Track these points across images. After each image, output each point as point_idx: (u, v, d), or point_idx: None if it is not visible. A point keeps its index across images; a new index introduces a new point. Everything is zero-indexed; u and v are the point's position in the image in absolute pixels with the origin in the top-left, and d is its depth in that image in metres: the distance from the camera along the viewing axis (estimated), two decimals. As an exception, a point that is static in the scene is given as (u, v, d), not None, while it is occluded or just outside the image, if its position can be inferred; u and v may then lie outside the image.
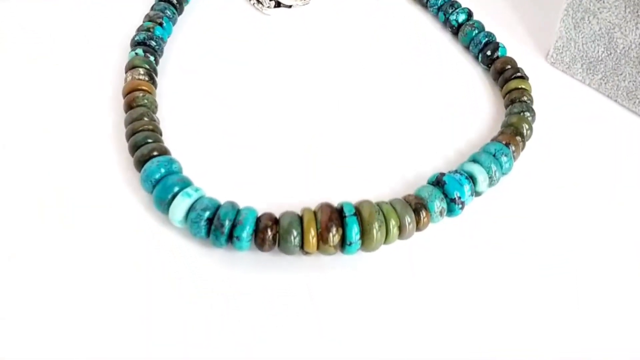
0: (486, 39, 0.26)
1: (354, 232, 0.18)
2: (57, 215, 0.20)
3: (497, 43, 0.26)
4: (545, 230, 0.21)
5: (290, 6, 0.29)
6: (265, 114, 0.24)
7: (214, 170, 0.22)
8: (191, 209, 0.19)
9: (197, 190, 0.19)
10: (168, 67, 0.25)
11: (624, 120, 0.25)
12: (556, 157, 0.24)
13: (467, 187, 0.20)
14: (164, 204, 0.19)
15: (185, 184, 0.19)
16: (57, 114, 0.23)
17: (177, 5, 0.27)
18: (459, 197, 0.20)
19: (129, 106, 0.22)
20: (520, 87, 0.24)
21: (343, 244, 0.19)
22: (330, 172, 0.22)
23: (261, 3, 0.29)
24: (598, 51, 0.25)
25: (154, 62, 0.24)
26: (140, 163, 0.20)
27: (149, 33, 0.25)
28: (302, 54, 0.27)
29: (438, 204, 0.20)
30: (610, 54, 0.25)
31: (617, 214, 0.22)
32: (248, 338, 0.18)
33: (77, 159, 0.22)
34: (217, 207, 0.19)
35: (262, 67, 0.26)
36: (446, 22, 0.28)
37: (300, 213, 0.19)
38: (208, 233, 0.19)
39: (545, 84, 0.26)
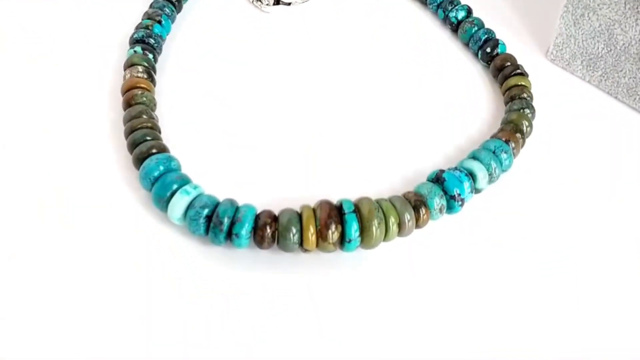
0: (486, 36, 0.26)
1: (353, 229, 0.18)
2: (56, 214, 0.20)
3: (497, 40, 0.26)
4: (545, 227, 0.21)
5: (289, 3, 0.29)
6: (264, 111, 0.24)
7: (213, 167, 0.22)
8: (190, 206, 0.19)
9: (195, 187, 0.19)
10: (167, 65, 0.25)
11: (624, 117, 0.25)
12: (556, 154, 0.23)
13: (466, 184, 0.20)
14: (162, 201, 0.19)
15: (184, 181, 0.19)
16: (56, 112, 0.23)
17: (176, 3, 0.27)
18: (459, 194, 0.20)
19: (128, 104, 0.22)
20: (520, 84, 0.24)
21: (342, 241, 0.18)
22: (330, 169, 0.22)
23: (260, 1, 0.28)
24: (598, 48, 0.25)
25: (152, 59, 0.24)
26: (138, 161, 0.20)
27: (148, 31, 0.25)
28: (301, 51, 0.27)
29: (438, 201, 0.20)
30: (610, 50, 0.25)
31: (617, 211, 0.22)
32: (247, 337, 0.18)
33: (76, 157, 0.22)
34: (216, 204, 0.19)
35: (261, 65, 0.26)
36: (445, 19, 0.28)
37: (299, 210, 0.19)
38: (207, 230, 0.19)
39: (545, 80, 0.26)
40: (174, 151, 0.21)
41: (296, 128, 0.24)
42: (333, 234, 0.18)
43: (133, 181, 0.21)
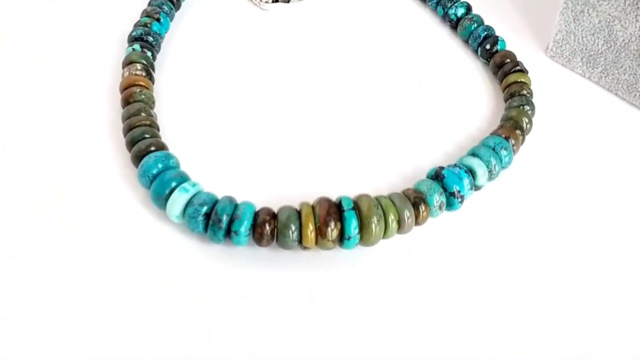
0: (485, 33, 0.26)
1: (353, 226, 0.18)
2: (55, 212, 0.20)
3: (497, 37, 0.26)
4: (545, 224, 0.21)
5: (288, 1, 0.29)
6: (263, 109, 0.24)
7: (212, 165, 0.22)
8: (189, 204, 0.19)
9: (194, 185, 0.19)
10: (165, 62, 0.25)
11: (624, 114, 0.25)
12: (556, 150, 0.23)
13: (466, 181, 0.20)
14: (161, 199, 0.19)
15: (183, 179, 0.19)
16: (55, 111, 0.23)
17: (175, 1, 0.27)
18: (459, 191, 0.20)
19: (126, 102, 0.22)
20: (519, 80, 0.24)
21: (342, 238, 0.18)
22: (329, 166, 0.22)
23: (259, -2, 0.28)
24: (598, 44, 0.25)
25: (151, 57, 0.24)
26: (137, 158, 0.20)
27: (146, 28, 0.24)
28: (300, 48, 0.27)
29: (437, 198, 0.20)
30: (610, 46, 0.25)
31: (617, 208, 0.22)
32: (247, 336, 0.18)
33: (76, 156, 0.21)
34: (215, 202, 0.19)
35: (259, 63, 0.26)
36: (445, 16, 0.28)
37: (298, 207, 0.19)
38: (206, 228, 0.19)
39: (545, 77, 0.26)
40: (172, 149, 0.21)
41: (295, 125, 0.23)
42: (332, 231, 0.18)
43: (132, 179, 0.21)
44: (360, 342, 0.18)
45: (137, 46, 0.24)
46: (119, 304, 0.18)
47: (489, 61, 0.26)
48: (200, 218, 0.18)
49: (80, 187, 0.21)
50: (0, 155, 0.21)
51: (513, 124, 0.22)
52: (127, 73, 0.23)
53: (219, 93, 0.24)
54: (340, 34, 0.28)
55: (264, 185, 0.21)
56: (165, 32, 0.26)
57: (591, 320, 0.19)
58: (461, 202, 0.20)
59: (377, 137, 0.23)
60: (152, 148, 0.20)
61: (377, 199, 0.19)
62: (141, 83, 0.22)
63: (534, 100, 0.24)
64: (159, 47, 0.25)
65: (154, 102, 0.22)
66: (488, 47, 0.26)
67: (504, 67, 0.25)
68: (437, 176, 0.20)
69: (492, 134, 0.22)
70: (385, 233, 0.19)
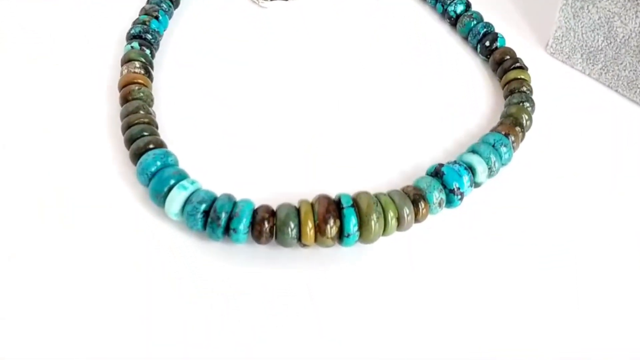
0: (485, 30, 0.26)
1: (352, 223, 0.18)
2: (54, 210, 0.20)
3: (496, 33, 0.26)
4: (545, 221, 0.21)
5: (287, -2, 0.29)
6: (261, 106, 0.24)
7: (211, 163, 0.22)
8: (187, 201, 0.19)
9: (193, 182, 0.19)
10: (164, 60, 0.25)
11: (624, 110, 0.25)
12: (556, 147, 0.23)
13: (466, 178, 0.20)
14: (160, 197, 0.19)
15: (182, 176, 0.19)
16: (54, 110, 0.23)
17: (173, -2, 0.27)
18: (458, 188, 0.20)
19: (125, 99, 0.22)
20: (519, 77, 0.24)
21: (341, 235, 0.18)
22: (328, 164, 0.22)
23: (258, -4, 0.28)
24: (598, 40, 0.25)
25: (149, 55, 0.24)
26: (136, 156, 0.20)
27: (145, 26, 0.24)
28: (299, 45, 0.27)
29: (437, 195, 0.20)
30: (610, 43, 0.25)
31: (617, 204, 0.22)
32: (247, 335, 0.18)
33: (74, 154, 0.21)
34: (214, 199, 0.19)
35: (258, 61, 0.26)
36: (444, 13, 0.28)
37: (297, 205, 0.19)
38: (204, 226, 0.18)
39: (545, 74, 0.26)
40: (171, 147, 0.21)
41: (294, 122, 0.23)
42: (331, 228, 0.18)
43: (130, 177, 0.21)
44: (359, 339, 0.18)
45: (135, 44, 0.24)
46: (118, 302, 0.18)
47: (488, 58, 0.26)
48: (199, 216, 0.18)
49: (79, 185, 0.20)
50: (0, 155, 0.21)
51: (513, 121, 0.22)
52: (126, 71, 0.23)
53: (218, 91, 0.24)
54: (338, 31, 0.27)
55: (263, 182, 0.21)
56: (164, 30, 0.26)
57: (591, 316, 0.19)
58: (461, 199, 0.20)
59: (376, 135, 0.23)
60: (151, 146, 0.20)
61: (376, 196, 0.19)
62: (140, 81, 0.22)
63: (533, 97, 0.24)
64: (158, 45, 0.25)
65: (152, 100, 0.22)
66: (487, 44, 0.26)
67: (503, 64, 0.25)
68: (436, 173, 0.20)
69: (491, 130, 0.22)
70: (385, 230, 0.19)
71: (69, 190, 0.20)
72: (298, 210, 0.18)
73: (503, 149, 0.21)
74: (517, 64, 0.25)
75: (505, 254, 0.20)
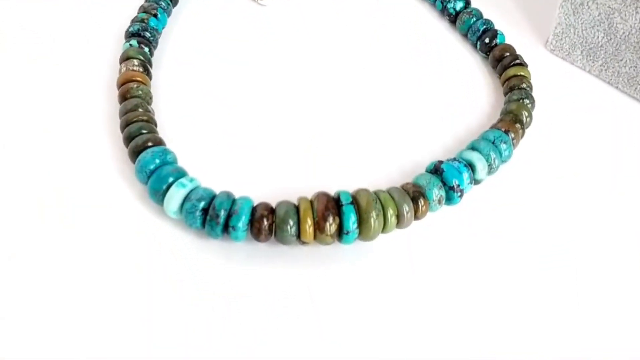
0: (484, 27, 0.26)
1: (351, 221, 0.18)
2: (54, 208, 0.20)
3: (496, 30, 0.26)
4: (545, 219, 0.21)
5: (286, -4, 0.29)
6: (260, 104, 0.24)
7: (210, 161, 0.22)
8: (186, 199, 0.19)
9: (192, 180, 0.19)
10: (163, 58, 0.25)
11: (625, 107, 0.25)
12: (556, 144, 0.23)
13: (465, 175, 0.20)
14: (158, 194, 0.19)
15: (180, 174, 0.19)
16: (53, 109, 0.23)
17: (172, -4, 0.26)
18: (458, 185, 0.20)
19: (124, 97, 0.22)
20: (519, 74, 0.24)
21: (340, 233, 0.18)
22: (327, 161, 0.22)
23: (257, -7, 0.28)
24: (598, 37, 0.25)
25: (148, 53, 0.24)
26: (134, 154, 0.20)
27: (143, 24, 0.24)
28: (298, 42, 0.26)
29: (436, 192, 0.19)
30: (610, 39, 0.25)
31: (617, 201, 0.22)
32: (246, 334, 0.18)
33: (73, 152, 0.21)
34: (213, 197, 0.19)
35: (257, 59, 0.26)
36: (444, 10, 0.28)
37: (296, 202, 0.19)
38: (203, 223, 0.18)
39: (545, 71, 0.26)
40: (170, 144, 0.21)
41: (293, 119, 0.23)
42: (331, 225, 0.18)
43: (129, 175, 0.21)
44: (359, 337, 0.18)
45: (134, 42, 0.24)
46: (116, 300, 0.18)
47: (488, 55, 0.26)
48: (198, 213, 0.18)
49: (78, 184, 0.20)
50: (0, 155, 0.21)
51: (513, 118, 0.22)
52: (124, 69, 0.23)
53: (217, 89, 0.24)
54: (338, 28, 0.27)
55: (262, 180, 0.21)
56: (163, 28, 0.26)
57: (590, 314, 0.19)
58: (460, 196, 0.20)
59: (376, 132, 0.23)
60: (149, 143, 0.20)
61: (375, 193, 0.19)
62: (138, 79, 0.22)
63: (533, 94, 0.24)
64: (156, 43, 0.25)
65: (151, 98, 0.22)
66: (487, 40, 0.26)
67: (503, 61, 0.25)
68: (436, 170, 0.20)
69: (491, 127, 0.22)
70: (384, 228, 0.19)
71: (68, 188, 0.20)
72: (297, 208, 0.18)
73: (503, 146, 0.21)
74: (517, 61, 0.25)
75: (505, 252, 0.20)
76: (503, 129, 0.22)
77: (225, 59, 0.25)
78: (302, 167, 0.22)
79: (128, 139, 0.20)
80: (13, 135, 0.22)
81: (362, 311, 0.18)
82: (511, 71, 0.24)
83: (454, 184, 0.20)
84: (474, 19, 0.26)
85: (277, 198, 0.19)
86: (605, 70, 0.25)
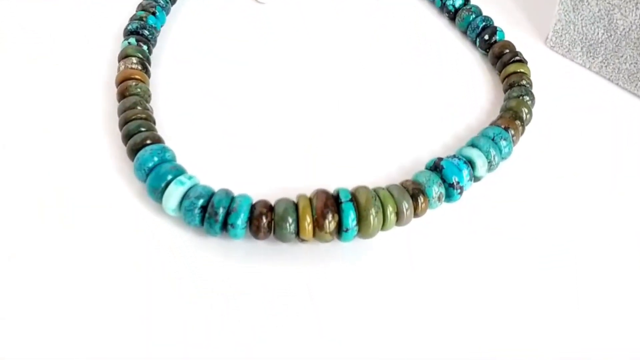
0: (484, 23, 0.26)
1: (351, 218, 0.18)
2: (52, 206, 0.20)
3: (495, 27, 0.26)
4: (545, 216, 0.21)
5: (285, -6, 0.28)
6: (259, 101, 0.24)
7: (208, 158, 0.21)
8: (185, 197, 0.18)
9: (190, 178, 0.19)
10: (161, 56, 0.25)
11: (625, 104, 0.25)
12: (556, 141, 0.23)
13: (465, 172, 0.20)
14: (157, 192, 0.19)
15: (179, 171, 0.19)
16: (53, 108, 0.23)
17: (171, -6, 0.26)
18: (458, 182, 0.20)
19: (122, 95, 0.22)
20: (519, 70, 0.24)
21: (339, 230, 0.18)
22: (326, 158, 0.22)
23: (256, -9, 0.28)
24: (598, 33, 0.25)
25: (147, 51, 0.24)
26: (133, 152, 0.20)
27: (142, 22, 0.24)
28: (296, 40, 0.26)
29: (436, 190, 0.19)
30: (611, 35, 0.25)
31: (617, 197, 0.21)
32: (244, 329, 0.17)
33: (72, 151, 0.21)
34: (211, 194, 0.18)
35: (255, 57, 0.26)
36: (443, 8, 0.28)
37: (295, 200, 0.19)
38: (202, 221, 0.18)
39: (545, 68, 0.26)
40: (168, 142, 0.21)
41: (292, 117, 0.23)
42: (330, 223, 0.18)
43: (128, 173, 0.21)
44: (359, 335, 0.18)
45: (132, 40, 0.23)
46: (115, 298, 0.18)
47: (487, 52, 0.26)
48: (197, 211, 0.18)
49: (77, 182, 0.20)
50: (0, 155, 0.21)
51: (512, 115, 0.22)
52: (123, 67, 0.23)
53: (216, 87, 0.24)
54: (337, 26, 0.27)
55: (260, 178, 0.21)
56: (161, 26, 0.26)
57: (590, 312, 0.18)
58: (460, 193, 0.20)
59: (375, 129, 0.23)
60: (148, 141, 0.20)
61: (375, 190, 0.19)
62: (137, 77, 0.22)
63: (533, 90, 0.24)
64: (155, 41, 0.25)
65: (150, 96, 0.22)
66: (487, 37, 0.26)
67: (502, 58, 0.25)
68: (435, 167, 0.20)
69: (491, 124, 0.22)
70: (384, 225, 0.19)
71: (67, 186, 0.20)
72: (296, 205, 0.18)
73: (503, 143, 0.21)
74: (517, 58, 0.25)
75: (504, 249, 0.20)
76: (503, 126, 0.22)
77: (224, 57, 0.25)
78: (302, 164, 0.22)
79: (127, 137, 0.20)
80: (12, 133, 0.22)
81: (361, 309, 0.18)
82: (511, 68, 0.24)
83: (454, 181, 0.20)
84: (473, 15, 0.26)
85: (276, 196, 0.19)
86: (606, 66, 0.25)
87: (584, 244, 0.20)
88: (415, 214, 0.19)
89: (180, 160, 0.21)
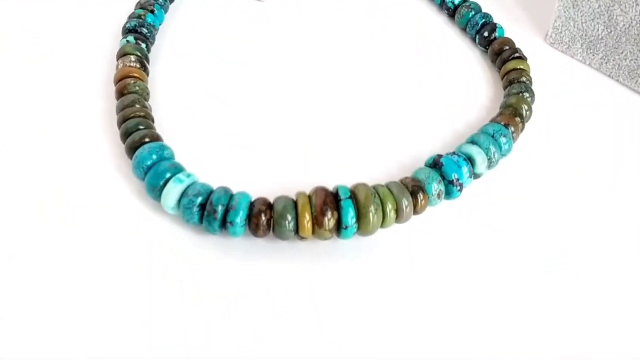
0: (483, 20, 0.26)
1: (350, 215, 0.18)
2: (52, 205, 0.20)
3: (495, 24, 0.26)
4: (545, 213, 0.21)
5: (283, -9, 0.28)
6: (258, 99, 0.24)
7: (207, 156, 0.21)
8: (183, 194, 0.18)
9: (189, 175, 0.19)
10: (160, 54, 0.25)
11: (625, 100, 0.25)
12: (556, 138, 0.23)
13: (465, 169, 0.20)
14: (155, 190, 0.19)
15: (177, 169, 0.19)
16: (50, 106, 0.23)
17: (169, -8, 0.26)
18: (457, 179, 0.20)
19: (120, 93, 0.22)
20: (518, 67, 0.24)
21: (339, 228, 0.18)
22: (325, 156, 0.22)
23: (254, -11, 0.28)
24: (598, 29, 0.25)
25: (145, 49, 0.23)
26: (131, 150, 0.20)
27: (140, 20, 0.24)
28: (295, 36, 0.26)
29: (435, 187, 0.19)
30: (611, 32, 0.24)
31: (617, 194, 0.21)
32: (243, 327, 0.17)
33: (71, 149, 0.21)
34: (210, 192, 0.18)
35: (255, 55, 0.26)
36: (442, 4, 0.28)
37: (294, 197, 0.18)
38: (201, 219, 0.18)
39: (545, 64, 0.26)
40: (167, 140, 0.21)
41: (291, 115, 0.23)
42: (329, 220, 0.18)
43: (127, 171, 0.20)
44: (358, 333, 0.18)
45: (131, 38, 0.23)
46: (113, 297, 0.18)
47: (487, 49, 0.26)
48: (195, 209, 0.18)
49: (75, 180, 0.20)
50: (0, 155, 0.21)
51: (512, 111, 0.22)
52: (121, 65, 0.22)
53: (214, 85, 0.24)
54: (336, 23, 0.27)
55: (259, 175, 0.21)
56: (160, 24, 0.25)
57: (589, 310, 0.18)
58: (460, 190, 0.20)
59: (374, 126, 0.23)
60: (147, 139, 0.20)
61: (374, 187, 0.19)
62: (135, 75, 0.22)
63: (533, 87, 0.24)
64: (154, 39, 0.25)
65: (148, 94, 0.22)
66: (486, 34, 0.26)
67: (502, 54, 0.25)
68: (435, 164, 0.20)
69: (491, 121, 0.22)
70: (383, 222, 0.19)
71: (65, 185, 0.20)
72: (295, 203, 0.18)
73: (502, 140, 0.21)
74: (516, 54, 0.24)
75: (504, 246, 0.20)
76: (503, 123, 0.22)
77: (222, 55, 0.25)
78: (301, 161, 0.22)
79: (125, 135, 0.20)
80: (11, 132, 0.22)
81: (361, 306, 0.18)
82: (510, 65, 0.24)
83: (454, 178, 0.20)
84: (473, 12, 0.26)
85: (275, 193, 0.19)
86: (606, 63, 0.25)
87: (584, 241, 0.20)
88: (415, 211, 0.19)
89: (179, 158, 0.21)
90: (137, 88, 0.22)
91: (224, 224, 0.18)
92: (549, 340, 0.18)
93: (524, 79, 0.23)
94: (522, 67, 0.24)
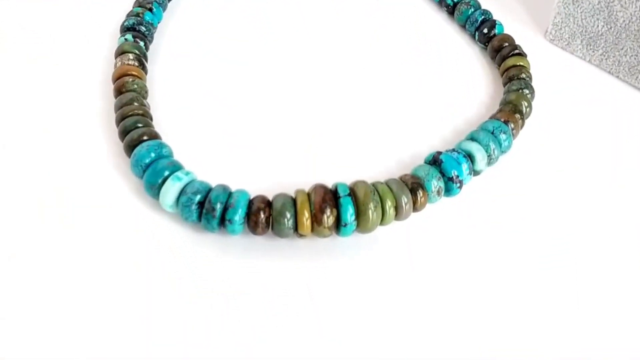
0: (482, 17, 0.26)
1: (349, 213, 0.18)
2: (51, 204, 0.19)
3: (494, 21, 0.26)
4: (545, 210, 0.21)
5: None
6: (256, 97, 0.24)
7: (206, 154, 0.21)
8: (182, 192, 0.18)
9: (187, 173, 0.19)
10: (159, 52, 0.25)
11: (626, 97, 0.25)
12: (556, 135, 0.23)
13: (465, 166, 0.20)
14: (154, 188, 0.19)
15: (176, 167, 0.19)
16: (49, 105, 0.23)
17: (167, -10, 0.26)
18: (457, 176, 0.20)
19: (119, 91, 0.21)
20: (518, 64, 0.24)
21: (338, 225, 0.18)
22: (324, 153, 0.22)
23: (253, -13, 0.28)
24: (598, 26, 0.25)
25: (143, 47, 0.23)
26: (130, 148, 0.20)
27: (139, 18, 0.24)
28: (294, 33, 0.26)
29: (435, 184, 0.19)
30: (611, 28, 0.24)
31: (617, 190, 0.21)
32: (243, 326, 0.17)
33: (70, 148, 0.21)
34: (209, 190, 0.18)
35: (253, 53, 0.25)
36: (441, 1, 0.27)
37: (293, 195, 0.18)
38: (200, 217, 0.18)
39: (545, 61, 0.26)
40: (166, 138, 0.21)
41: (290, 112, 0.23)
42: (328, 218, 0.18)
43: (125, 169, 0.20)
44: (358, 331, 0.17)
45: (129, 36, 0.23)
46: (112, 295, 0.18)
47: (486, 46, 0.26)
48: (194, 207, 0.18)
49: (74, 179, 0.20)
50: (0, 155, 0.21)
51: (512, 108, 0.22)
52: (120, 63, 0.22)
53: (213, 83, 0.24)
54: (336, 21, 0.27)
55: (258, 173, 0.21)
56: (158, 22, 0.25)
57: (589, 307, 0.18)
58: (460, 187, 0.20)
59: (374, 123, 0.23)
60: (145, 137, 0.20)
61: (373, 185, 0.19)
62: (133, 73, 0.22)
63: (533, 84, 0.24)
64: (152, 37, 0.24)
65: (146, 92, 0.22)
66: (485, 31, 0.25)
67: (502, 51, 0.25)
68: (434, 161, 0.20)
69: (491, 118, 0.22)
70: (383, 220, 0.18)
71: (64, 184, 0.20)
72: (294, 200, 0.18)
73: (502, 136, 0.21)
74: (516, 51, 0.24)
75: (504, 243, 0.20)
76: (502, 120, 0.21)
77: (221, 53, 0.25)
78: (300, 159, 0.22)
79: (123, 133, 0.20)
80: (10, 130, 0.22)
81: (360, 304, 0.18)
82: (510, 61, 0.24)
83: (453, 174, 0.20)
84: (472, 9, 0.26)
85: (273, 191, 0.19)
86: (606, 59, 0.25)
87: (584, 238, 0.20)
88: (415, 209, 0.19)
89: (178, 156, 0.20)
90: (135, 86, 0.22)
91: (223, 221, 0.18)
92: (549, 337, 0.18)
93: (523, 75, 0.23)
94: (521, 63, 0.24)
